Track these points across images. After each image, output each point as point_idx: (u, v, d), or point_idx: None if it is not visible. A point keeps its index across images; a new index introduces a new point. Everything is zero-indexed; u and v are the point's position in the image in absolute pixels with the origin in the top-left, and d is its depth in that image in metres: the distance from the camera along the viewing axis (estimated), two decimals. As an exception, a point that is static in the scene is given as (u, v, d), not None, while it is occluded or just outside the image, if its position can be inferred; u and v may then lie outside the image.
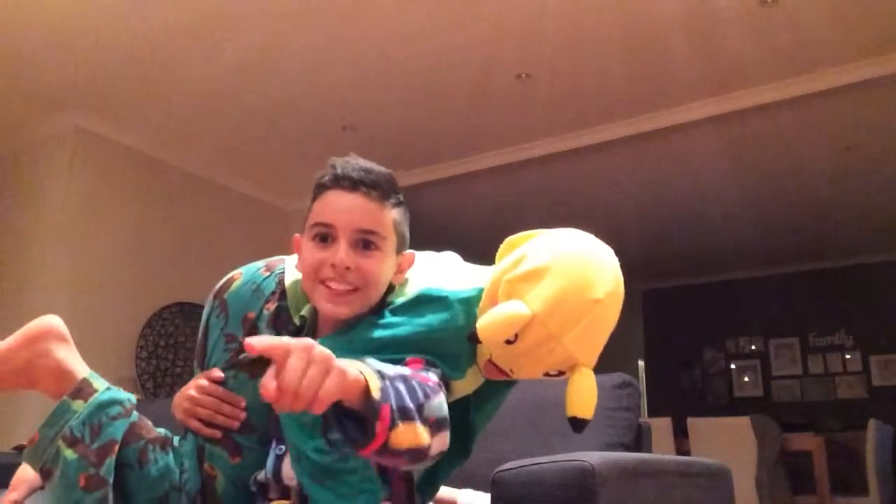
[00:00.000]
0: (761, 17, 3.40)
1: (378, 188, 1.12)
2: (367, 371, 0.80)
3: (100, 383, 1.12)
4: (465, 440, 1.30)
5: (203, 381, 1.17)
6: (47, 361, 1.10)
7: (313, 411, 0.73)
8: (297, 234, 1.18)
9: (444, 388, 1.00)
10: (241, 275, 1.26)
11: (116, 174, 4.53)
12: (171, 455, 1.15)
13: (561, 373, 1.06)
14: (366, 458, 0.97)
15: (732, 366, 8.17)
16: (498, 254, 1.17)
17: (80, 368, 1.12)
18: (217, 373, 1.17)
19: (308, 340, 0.73)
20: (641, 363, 8.73)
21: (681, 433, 4.67)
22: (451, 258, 1.24)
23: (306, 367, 0.71)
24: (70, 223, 4.23)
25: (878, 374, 7.29)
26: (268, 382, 0.70)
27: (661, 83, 4.04)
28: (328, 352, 0.74)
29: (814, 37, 3.56)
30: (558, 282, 1.03)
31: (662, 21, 3.44)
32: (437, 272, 1.17)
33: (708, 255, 7.48)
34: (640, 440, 1.57)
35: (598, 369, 1.08)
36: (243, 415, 1.16)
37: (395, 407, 0.80)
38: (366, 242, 1.11)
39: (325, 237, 1.11)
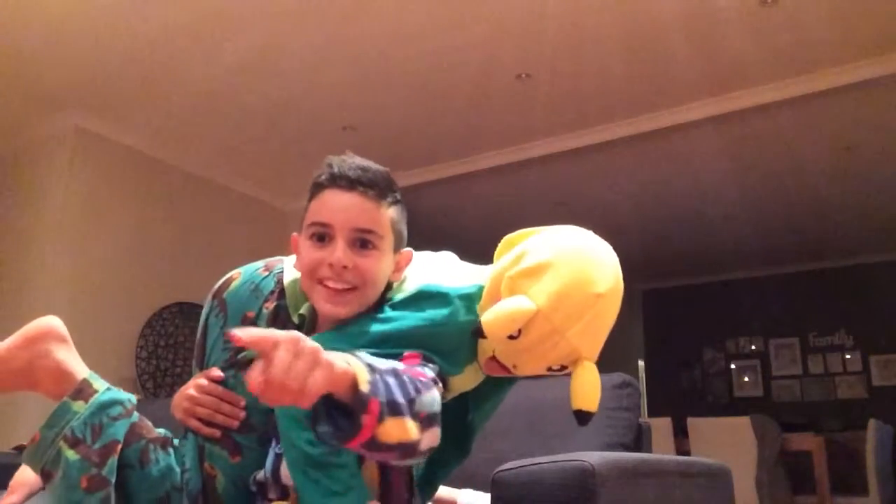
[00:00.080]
0: (761, 17, 3.40)
1: (375, 187, 1.12)
2: (356, 364, 0.80)
3: (100, 384, 1.12)
4: (464, 440, 1.30)
5: (202, 381, 1.18)
6: (47, 362, 1.10)
7: (301, 405, 0.73)
8: (294, 234, 1.19)
9: (440, 383, 1.00)
10: (239, 275, 1.26)
11: (116, 174, 4.53)
12: (172, 455, 1.15)
13: (563, 367, 1.07)
14: (357, 455, 0.97)
15: (732, 366, 8.17)
16: (496, 252, 1.17)
17: (80, 369, 1.12)
18: (216, 372, 1.17)
19: (296, 333, 0.73)
20: (641, 363, 8.73)
21: (681, 433, 4.67)
22: (448, 257, 1.25)
23: (294, 360, 0.71)
24: (70, 223, 4.23)
25: (878, 374, 7.29)
26: (254, 375, 0.70)
27: (661, 83, 4.04)
28: (316, 345, 0.74)
29: (814, 37, 3.56)
30: (561, 277, 1.04)
31: (662, 21, 3.44)
32: (436, 270, 1.17)
33: (708, 255, 7.48)
34: (640, 440, 1.57)
35: (599, 369, 1.08)
36: (243, 414, 1.16)
37: (383, 401, 0.80)
38: (363, 241, 1.11)
39: (322, 236, 1.11)
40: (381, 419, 0.79)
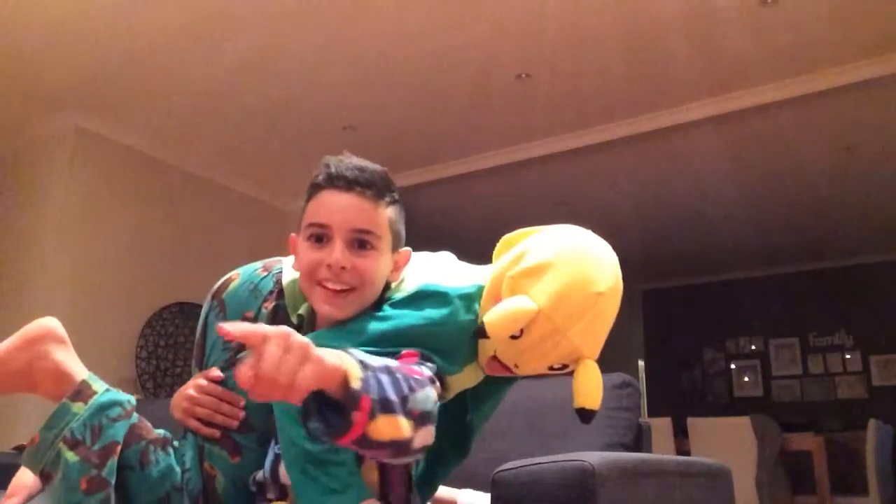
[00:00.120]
0: (761, 17, 3.40)
1: (372, 187, 1.12)
2: (348, 361, 0.80)
3: (99, 385, 1.12)
4: (463, 439, 1.30)
5: (202, 381, 1.18)
6: (46, 364, 1.09)
7: (291, 400, 0.73)
8: (293, 235, 1.19)
9: (437, 383, 1.00)
10: (238, 275, 1.26)
11: (116, 174, 4.53)
12: (172, 456, 1.15)
13: (564, 366, 1.07)
14: (356, 452, 0.97)
15: (732, 366, 8.17)
16: (495, 252, 1.18)
17: (79, 370, 1.12)
18: (216, 372, 1.17)
19: (285, 328, 0.73)
20: (641, 363, 8.73)
21: (681, 433, 4.67)
22: (446, 257, 1.25)
23: (283, 355, 0.71)
24: (70, 223, 4.23)
25: (878, 374, 7.29)
26: (244, 369, 0.70)
27: (661, 83, 4.04)
28: (306, 339, 0.74)
29: (814, 37, 3.56)
30: (562, 276, 1.04)
31: (662, 21, 3.44)
32: (435, 270, 1.17)
33: (708, 255, 7.48)
34: (640, 440, 1.57)
35: (599, 368, 1.08)
36: (242, 414, 1.16)
37: (375, 398, 0.80)
38: (361, 242, 1.11)
39: (320, 237, 1.11)
40: (372, 416, 0.79)
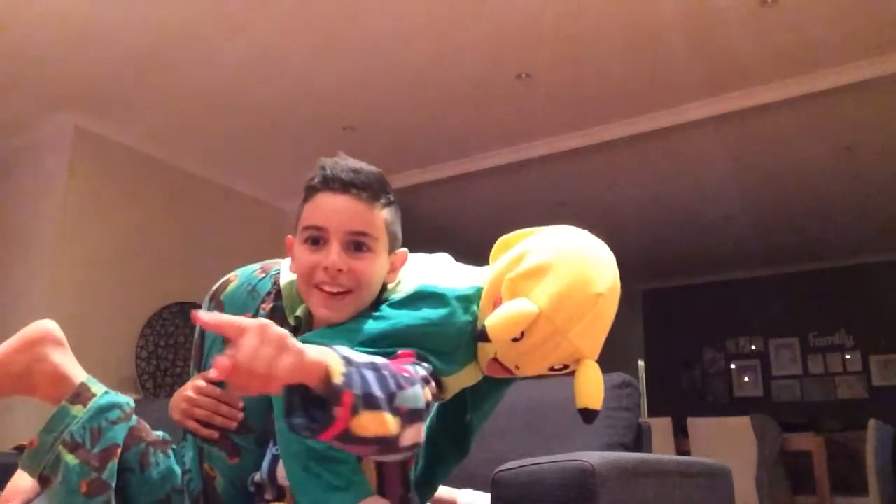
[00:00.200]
0: (761, 17, 3.40)
1: (368, 189, 1.12)
2: (331, 356, 0.80)
3: (98, 387, 1.12)
4: (462, 439, 1.30)
5: (200, 382, 1.18)
6: (44, 366, 1.09)
7: (268, 391, 0.73)
8: (289, 237, 1.19)
9: (432, 383, 1.00)
10: (236, 277, 1.27)
11: (116, 174, 4.53)
12: (172, 458, 1.15)
13: (565, 367, 1.07)
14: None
15: (732, 366, 8.16)
16: (492, 253, 1.18)
17: (78, 373, 1.12)
18: (214, 374, 1.17)
19: (264, 320, 0.74)
20: (641, 363, 8.73)
21: (681, 433, 4.67)
22: (444, 259, 1.25)
23: (260, 345, 0.72)
24: (70, 223, 4.23)
25: (878, 374, 7.29)
26: (221, 359, 0.71)
27: (661, 83, 4.03)
28: (284, 331, 0.74)
29: (814, 37, 3.56)
30: (562, 278, 1.05)
31: (662, 21, 3.44)
32: (433, 271, 1.18)
33: (708, 255, 7.48)
34: (640, 440, 1.57)
35: (600, 368, 1.08)
36: (241, 415, 1.16)
37: (358, 394, 0.80)
38: (357, 244, 1.11)
39: (316, 240, 1.11)
40: (355, 412, 0.79)
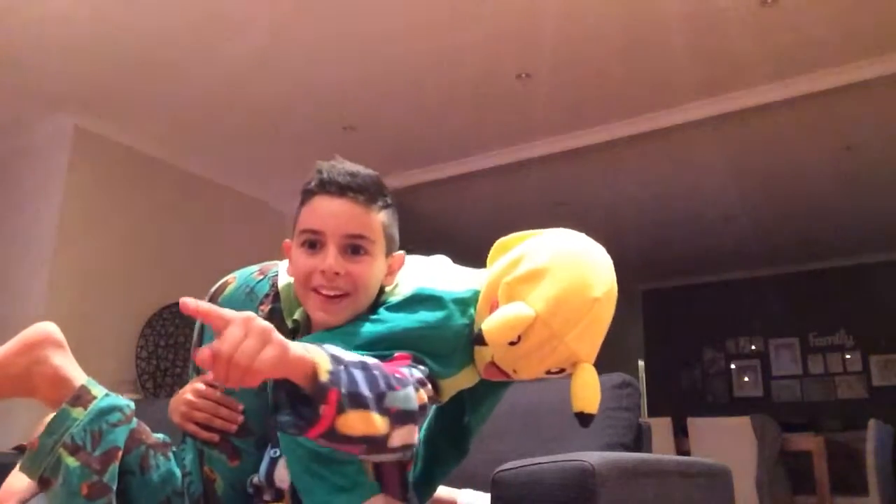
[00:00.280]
0: (761, 17, 3.40)
1: (365, 192, 1.12)
2: (318, 354, 0.80)
3: (98, 390, 1.11)
4: (461, 440, 1.30)
5: (200, 385, 1.18)
6: (45, 368, 1.09)
7: (250, 383, 0.74)
8: (287, 241, 1.19)
9: (428, 385, 1.00)
10: (234, 279, 1.27)
11: (116, 174, 4.53)
12: (172, 460, 1.15)
13: (562, 370, 1.07)
14: None
15: (732, 366, 8.16)
16: (490, 255, 1.18)
17: (78, 375, 1.11)
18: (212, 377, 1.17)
19: (249, 313, 0.75)
20: (641, 363, 8.73)
21: (681, 433, 4.67)
22: (441, 261, 1.25)
23: (244, 337, 0.72)
24: (70, 223, 4.23)
25: (878, 374, 7.29)
26: (204, 350, 0.72)
27: (661, 83, 4.03)
28: (269, 325, 0.75)
29: (814, 37, 3.56)
30: (559, 282, 1.04)
31: (662, 21, 3.44)
32: (430, 274, 1.18)
33: (708, 255, 7.48)
34: (640, 440, 1.57)
35: (598, 370, 1.09)
36: (241, 418, 1.16)
37: (344, 392, 0.80)
38: (354, 247, 1.11)
39: (313, 243, 1.11)
40: (340, 410, 0.80)
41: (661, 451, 4.28)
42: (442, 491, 1.39)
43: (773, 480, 4.26)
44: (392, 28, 3.52)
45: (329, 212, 1.11)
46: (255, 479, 1.13)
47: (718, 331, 8.21)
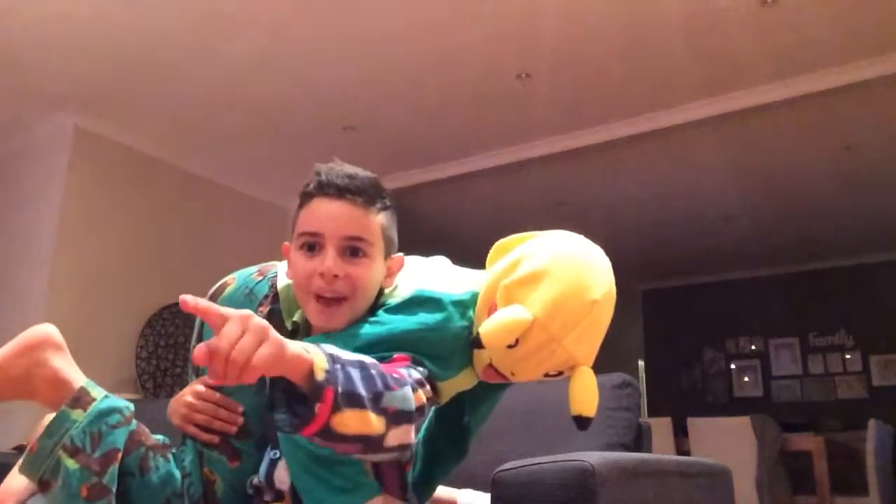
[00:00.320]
0: (761, 17, 3.40)
1: (363, 194, 1.12)
2: (315, 352, 0.80)
3: (97, 392, 1.11)
4: (460, 440, 1.30)
5: (199, 387, 1.18)
6: (44, 370, 1.08)
7: (247, 380, 0.74)
8: (286, 243, 1.19)
9: (427, 386, 1.00)
10: (234, 280, 1.27)
11: (116, 174, 4.53)
12: (171, 462, 1.15)
13: (560, 373, 1.07)
14: None
15: (732, 366, 8.16)
16: (489, 258, 1.18)
17: (77, 377, 1.11)
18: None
19: (247, 311, 0.75)
20: (641, 363, 8.73)
21: (681, 433, 4.67)
22: (441, 262, 1.25)
23: (241, 335, 0.73)
24: (70, 223, 4.23)
25: (878, 374, 7.29)
26: (201, 347, 0.72)
27: (661, 83, 4.03)
28: (266, 323, 0.75)
29: (814, 37, 3.56)
30: (557, 285, 1.04)
31: (662, 21, 3.44)
32: (429, 276, 1.17)
33: (708, 255, 7.48)
34: (640, 440, 1.57)
35: (598, 370, 1.09)
36: (240, 420, 1.16)
37: (340, 391, 0.80)
38: (353, 249, 1.11)
39: (312, 246, 1.11)
40: (336, 409, 0.80)
41: (661, 451, 4.28)
42: (442, 491, 1.38)
43: (773, 480, 4.26)
44: (392, 28, 3.52)
45: (327, 214, 1.11)
46: (255, 480, 1.13)
47: (718, 331, 8.21)
